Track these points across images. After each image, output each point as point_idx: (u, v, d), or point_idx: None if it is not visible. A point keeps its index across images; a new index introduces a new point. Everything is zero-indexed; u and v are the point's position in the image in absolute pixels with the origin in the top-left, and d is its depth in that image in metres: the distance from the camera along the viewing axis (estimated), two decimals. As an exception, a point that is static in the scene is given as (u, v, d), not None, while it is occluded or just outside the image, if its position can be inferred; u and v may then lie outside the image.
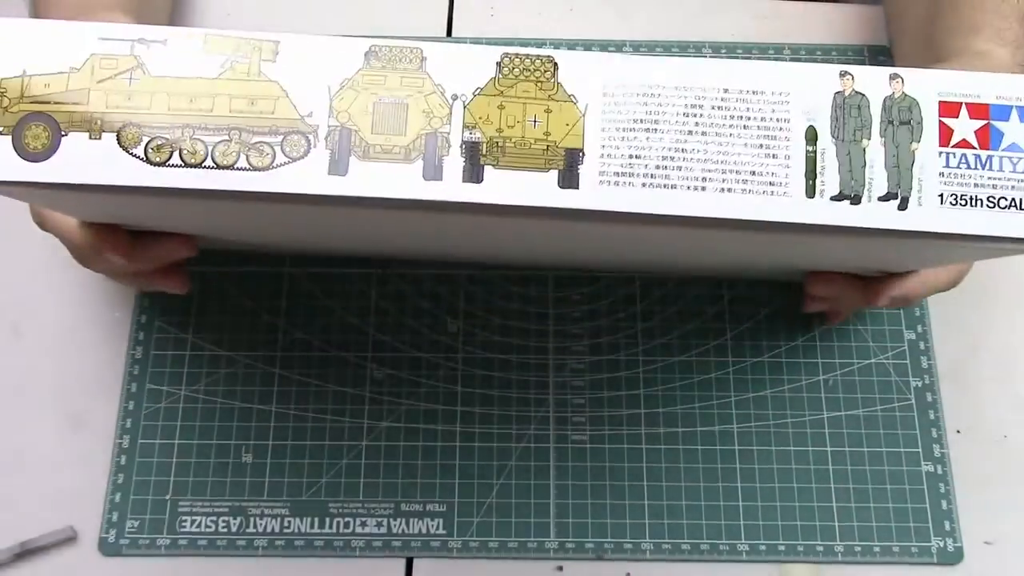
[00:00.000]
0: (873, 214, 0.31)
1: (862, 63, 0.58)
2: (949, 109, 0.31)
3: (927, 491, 0.49)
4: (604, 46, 0.59)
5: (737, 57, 0.59)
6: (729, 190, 0.31)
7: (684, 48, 0.59)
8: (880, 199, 0.31)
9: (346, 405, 0.50)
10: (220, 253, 0.53)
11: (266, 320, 0.52)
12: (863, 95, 0.31)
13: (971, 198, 0.31)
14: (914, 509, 0.48)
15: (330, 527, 0.48)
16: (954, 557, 0.48)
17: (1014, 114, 0.31)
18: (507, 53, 0.31)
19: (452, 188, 0.30)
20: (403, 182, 0.30)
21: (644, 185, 0.30)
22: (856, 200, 0.31)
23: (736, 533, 0.48)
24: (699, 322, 0.52)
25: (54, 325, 0.52)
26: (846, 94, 0.31)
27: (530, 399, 0.50)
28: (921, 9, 0.51)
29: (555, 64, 0.31)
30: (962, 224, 0.31)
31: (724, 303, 0.53)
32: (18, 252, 0.53)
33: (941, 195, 0.31)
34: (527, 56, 0.31)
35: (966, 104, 0.31)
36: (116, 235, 0.41)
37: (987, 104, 0.31)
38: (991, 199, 0.31)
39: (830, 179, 0.31)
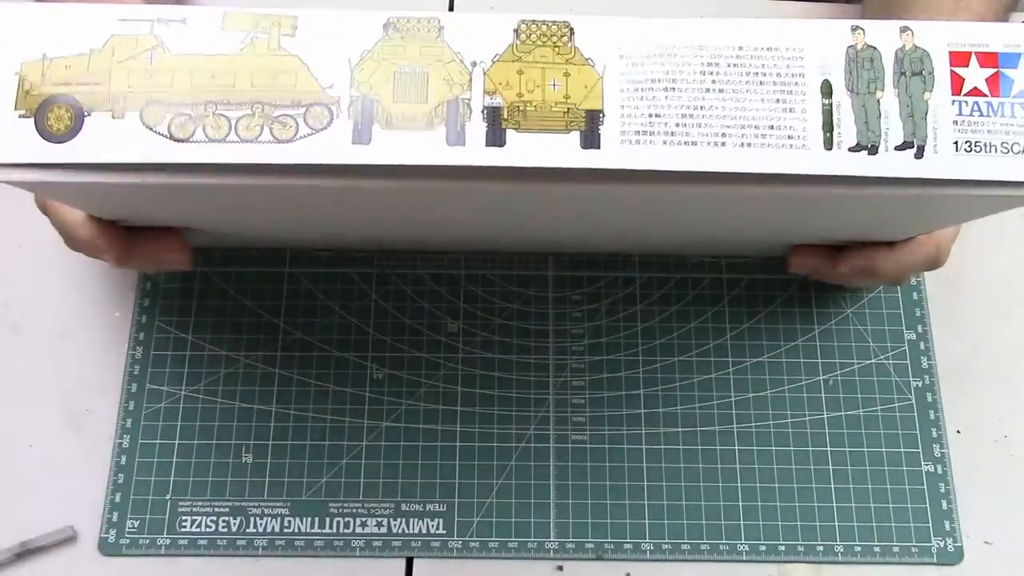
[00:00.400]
0: (891, 163, 0.31)
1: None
2: (959, 59, 0.32)
3: (927, 491, 0.49)
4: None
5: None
6: (749, 145, 0.31)
7: (684, 48, 0.59)
8: (897, 148, 0.31)
9: (346, 405, 0.50)
10: (220, 253, 0.53)
11: (266, 320, 0.52)
12: (875, 48, 0.32)
13: (985, 144, 0.32)
14: (914, 509, 0.48)
15: (330, 527, 0.48)
16: (954, 557, 0.48)
17: (1022, 61, 0.32)
18: (524, 20, 0.32)
19: (475, 152, 0.30)
20: (427, 148, 0.30)
21: (665, 143, 0.31)
22: (873, 150, 0.31)
23: (736, 533, 0.48)
24: (699, 322, 0.52)
25: (54, 325, 0.52)
26: (858, 47, 0.32)
27: (530, 399, 0.50)
28: None
29: (571, 29, 0.32)
30: (978, 170, 0.31)
31: (724, 303, 0.53)
32: (18, 252, 0.53)
33: (956, 142, 0.31)
34: (543, 22, 0.32)
35: (975, 53, 0.32)
36: (116, 235, 0.41)
37: (996, 52, 0.32)
38: (1004, 145, 0.32)
39: (847, 131, 0.31)
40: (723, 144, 0.31)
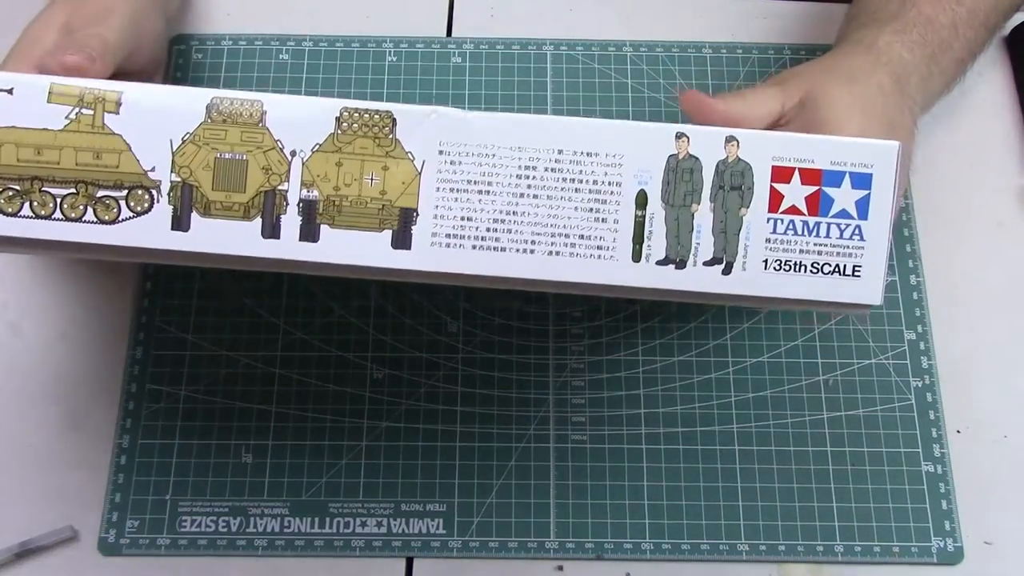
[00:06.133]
0: (697, 278, 0.32)
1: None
2: (782, 174, 0.32)
3: (927, 491, 0.49)
4: (604, 46, 0.59)
5: (736, 57, 0.59)
6: (557, 253, 0.32)
7: (684, 48, 0.59)
8: (705, 264, 0.32)
9: (346, 405, 0.50)
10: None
11: (266, 320, 0.52)
12: (697, 158, 0.32)
13: (795, 264, 0.32)
14: (914, 509, 0.48)
15: (330, 527, 0.48)
16: (954, 557, 0.48)
17: (846, 180, 0.32)
18: (346, 107, 0.32)
19: (288, 246, 0.31)
20: (242, 239, 0.31)
21: (474, 247, 0.32)
22: (681, 264, 0.32)
23: (736, 533, 0.48)
24: (699, 322, 0.52)
25: (54, 325, 0.52)
26: (680, 157, 0.32)
27: (530, 399, 0.50)
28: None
29: (393, 119, 0.32)
30: (783, 289, 0.32)
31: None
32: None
33: (766, 260, 0.32)
34: (366, 111, 0.32)
35: (799, 169, 0.32)
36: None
37: (821, 170, 0.32)
38: (815, 265, 0.32)
39: (657, 244, 0.32)
40: (532, 252, 0.32)
